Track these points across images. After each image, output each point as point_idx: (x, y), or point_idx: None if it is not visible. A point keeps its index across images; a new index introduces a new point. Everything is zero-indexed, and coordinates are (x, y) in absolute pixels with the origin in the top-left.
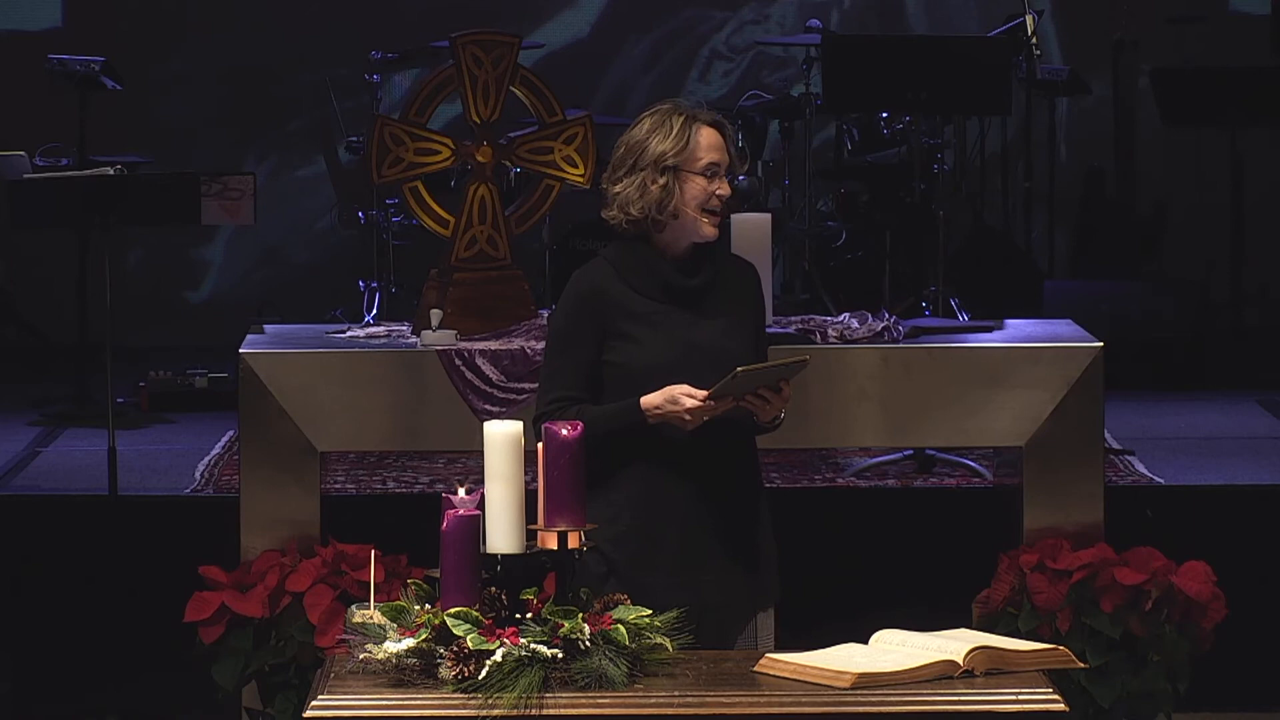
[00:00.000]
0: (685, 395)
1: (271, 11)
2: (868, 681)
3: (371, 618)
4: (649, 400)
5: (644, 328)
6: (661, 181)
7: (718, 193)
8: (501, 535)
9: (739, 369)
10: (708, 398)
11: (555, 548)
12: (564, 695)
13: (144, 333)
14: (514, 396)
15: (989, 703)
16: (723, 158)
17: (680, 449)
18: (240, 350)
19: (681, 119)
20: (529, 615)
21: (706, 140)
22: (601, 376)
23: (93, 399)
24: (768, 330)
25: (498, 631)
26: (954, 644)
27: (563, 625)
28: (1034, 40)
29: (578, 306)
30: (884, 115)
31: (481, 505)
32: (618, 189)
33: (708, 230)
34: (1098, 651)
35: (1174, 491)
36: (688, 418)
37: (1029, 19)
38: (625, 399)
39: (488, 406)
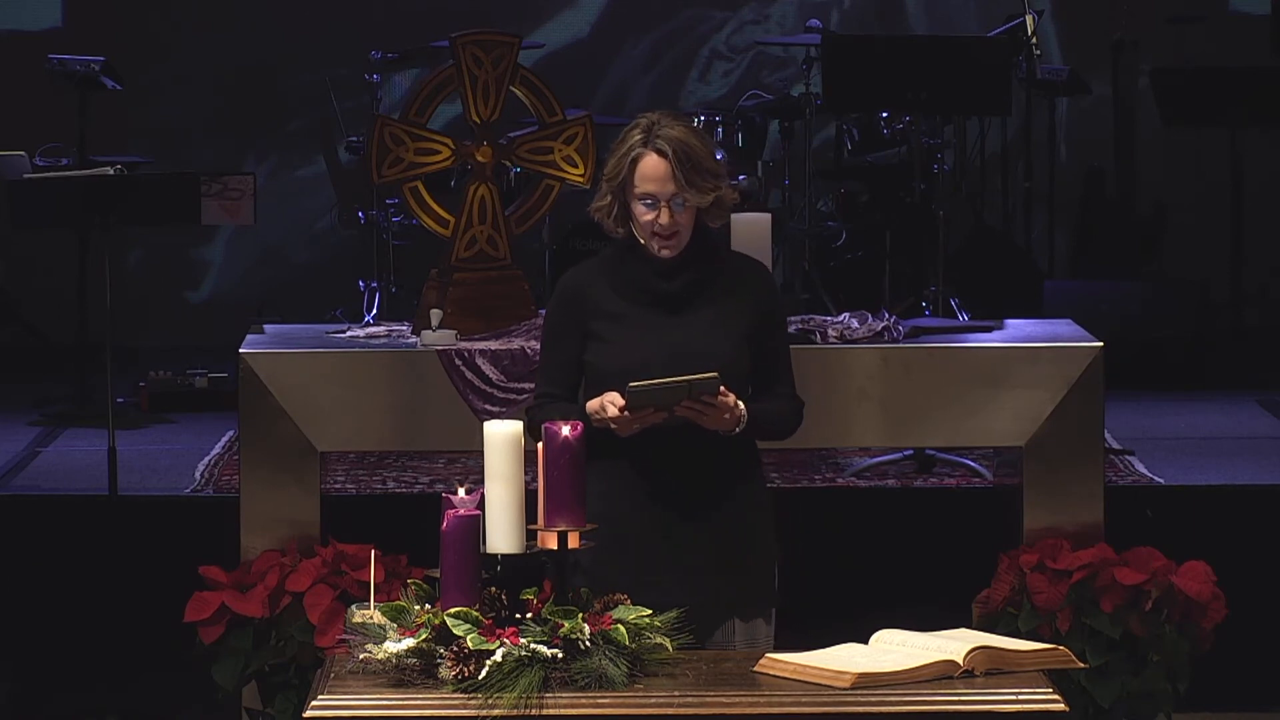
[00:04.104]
0: (610, 403)
1: (271, 11)
2: (868, 681)
3: (371, 618)
4: (590, 405)
5: (616, 328)
6: (609, 199)
7: (659, 220)
8: (501, 535)
9: (630, 384)
10: (622, 409)
11: (555, 548)
12: (564, 695)
13: (144, 333)
14: (514, 396)
15: (989, 703)
16: (663, 188)
17: (646, 450)
18: (240, 350)
19: (633, 139)
20: (529, 615)
21: (645, 171)
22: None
23: (93, 399)
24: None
25: (498, 631)
26: (954, 644)
27: (563, 625)
28: (1034, 40)
29: (557, 304)
30: (884, 115)
31: (481, 505)
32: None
33: (658, 251)
34: (1098, 651)
35: (1174, 491)
36: (613, 425)
37: (1029, 19)
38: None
39: (488, 406)
